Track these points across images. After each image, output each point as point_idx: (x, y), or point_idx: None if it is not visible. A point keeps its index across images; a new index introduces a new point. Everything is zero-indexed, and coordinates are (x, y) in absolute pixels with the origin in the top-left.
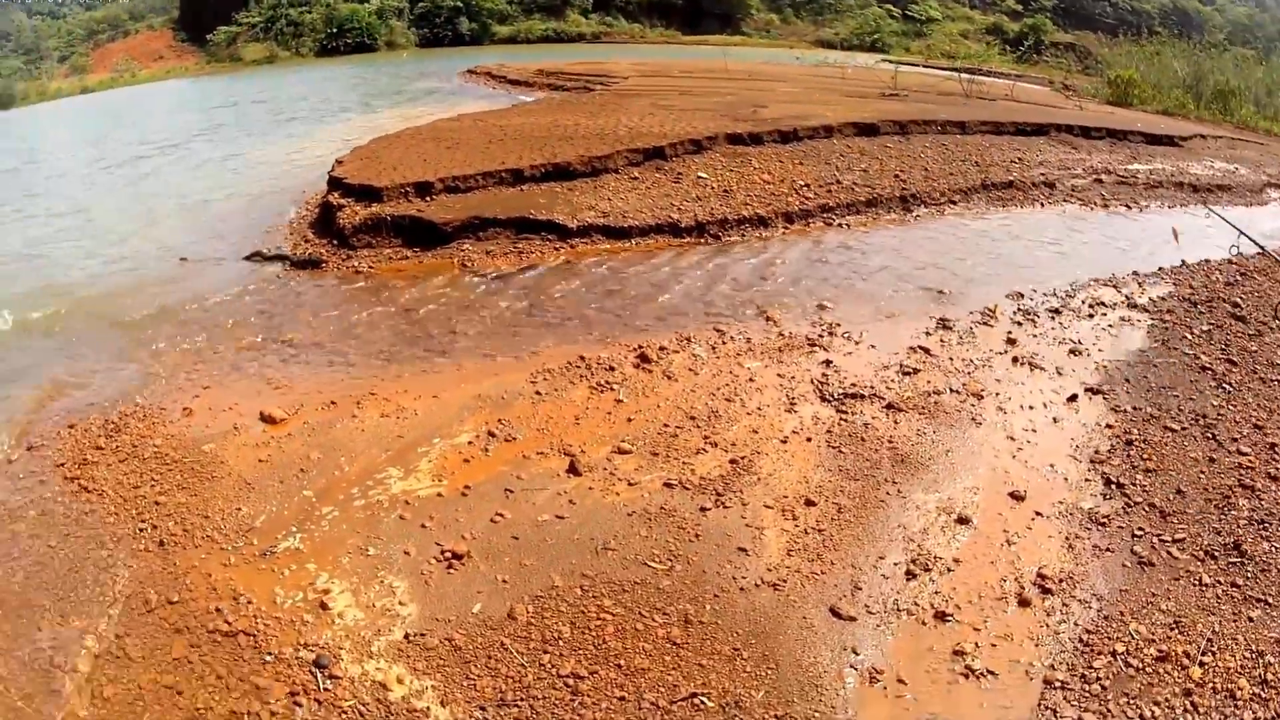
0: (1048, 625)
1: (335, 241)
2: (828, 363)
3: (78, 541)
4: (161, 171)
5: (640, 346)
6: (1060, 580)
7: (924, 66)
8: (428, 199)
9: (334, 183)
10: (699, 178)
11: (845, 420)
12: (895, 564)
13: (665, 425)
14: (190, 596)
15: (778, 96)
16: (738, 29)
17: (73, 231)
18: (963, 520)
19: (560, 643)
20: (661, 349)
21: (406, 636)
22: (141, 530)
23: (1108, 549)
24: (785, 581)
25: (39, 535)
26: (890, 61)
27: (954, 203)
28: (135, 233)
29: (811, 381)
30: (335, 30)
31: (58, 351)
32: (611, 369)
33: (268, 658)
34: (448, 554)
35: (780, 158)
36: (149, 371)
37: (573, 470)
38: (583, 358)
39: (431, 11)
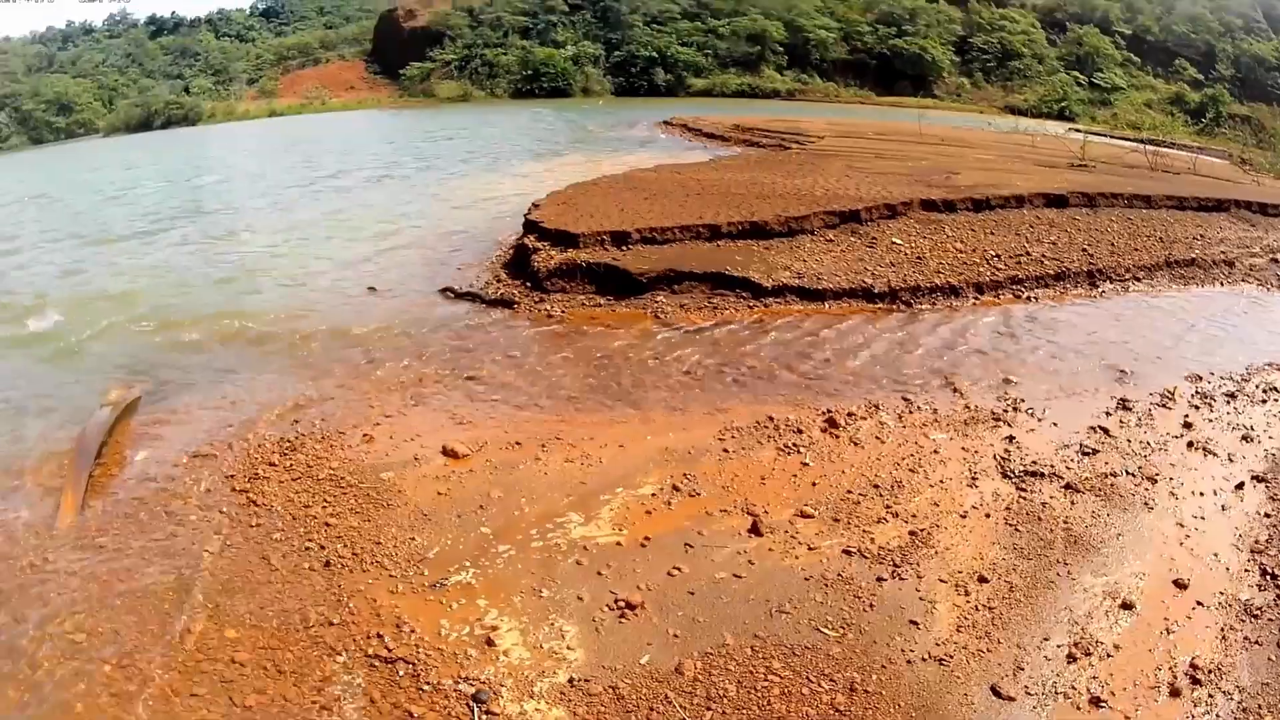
0: (1193, 716)
1: (528, 284)
2: (1010, 438)
3: (238, 552)
4: (358, 200)
5: (829, 411)
6: (1210, 671)
7: (1110, 137)
8: (624, 248)
9: (530, 226)
10: (893, 243)
11: (1024, 498)
12: (1058, 646)
13: (849, 492)
14: (351, 619)
15: (970, 163)
16: (930, 92)
17: (263, 254)
18: (1127, 606)
19: (724, 700)
20: (850, 414)
21: (571, 680)
22: (308, 549)
23: (1257, 641)
24: (951, 657)
25: (199, 541)
26: (1078, 131)
27: (1138, 279)
28: (327, 258)
29: (994, 457)
30: (530, 73)
31: (238, 367)
32: (799, 431)
33: (425, 687)
34: (621, 603)
35: (972, 226)
36: (330, 395)
37: (754, 530)
38: (771, 418)
39: (627, 61)
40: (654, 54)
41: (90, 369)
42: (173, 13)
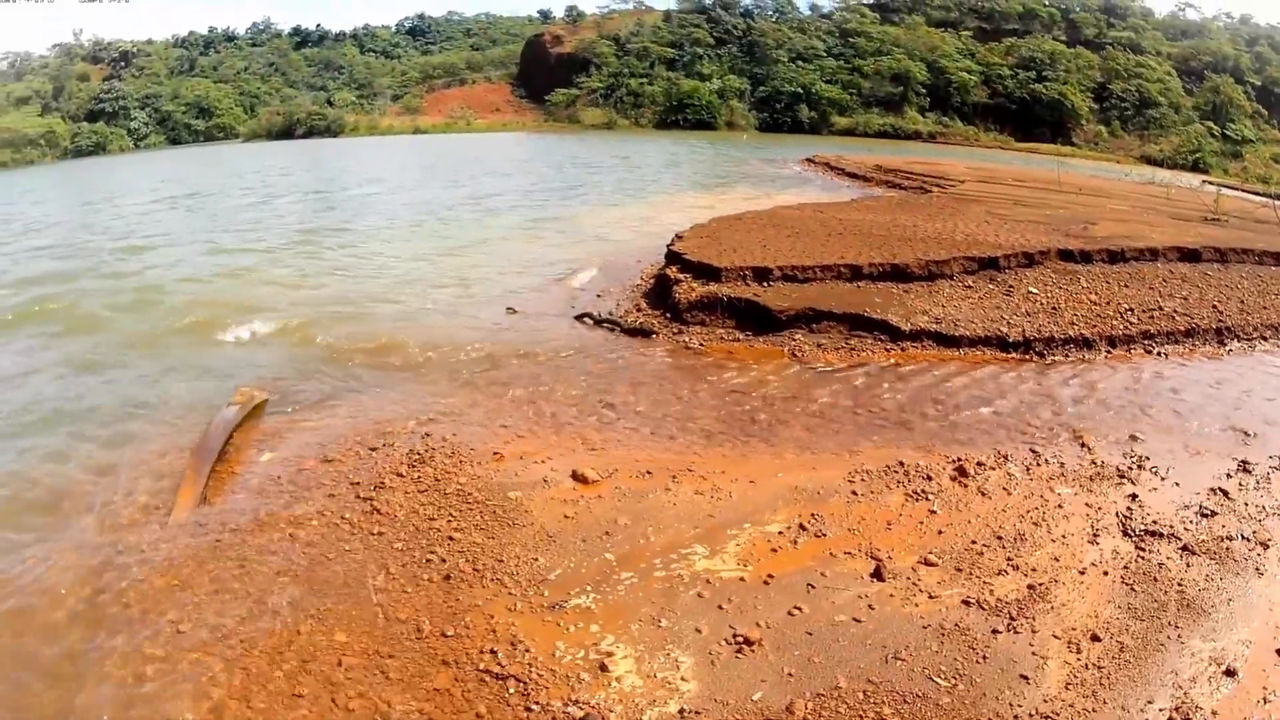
0: None
1: (668, 315)
2: (1133, 496)
3: (358, 557)
4: (502, 222)
5: (959, 459)
6: None
7: (1241, 190)
8: (765, 284)
9: (672, 257)
10: (1029, 292)
11: (1142, 558)
12: (1160, 710)
13: (973, 542)
14: (466, 633)
15: (1106, 213)
16: (1068, 139)
17: (406, 269)
18: (1229, 672)
19: None
20: (979, 464)
21: (681, 712)
22: (429, 561)
23: None
24: (1058, 715)
25: (317, 545)
26: (1211, 183)
27: (1265, 338)
28: (468, 278)
29: (1116, 515)
30: (675, 104)
31: (371, 379)
32: (929, 478)
33: (533, 706)
34: (739, 638)
35: (1107, 278)
36: (462, 412)
37: (877, 575)
38: (902, 463)
39: (772, 96)
40: (798, 90)
41: (225, 370)
42: (317, 25)
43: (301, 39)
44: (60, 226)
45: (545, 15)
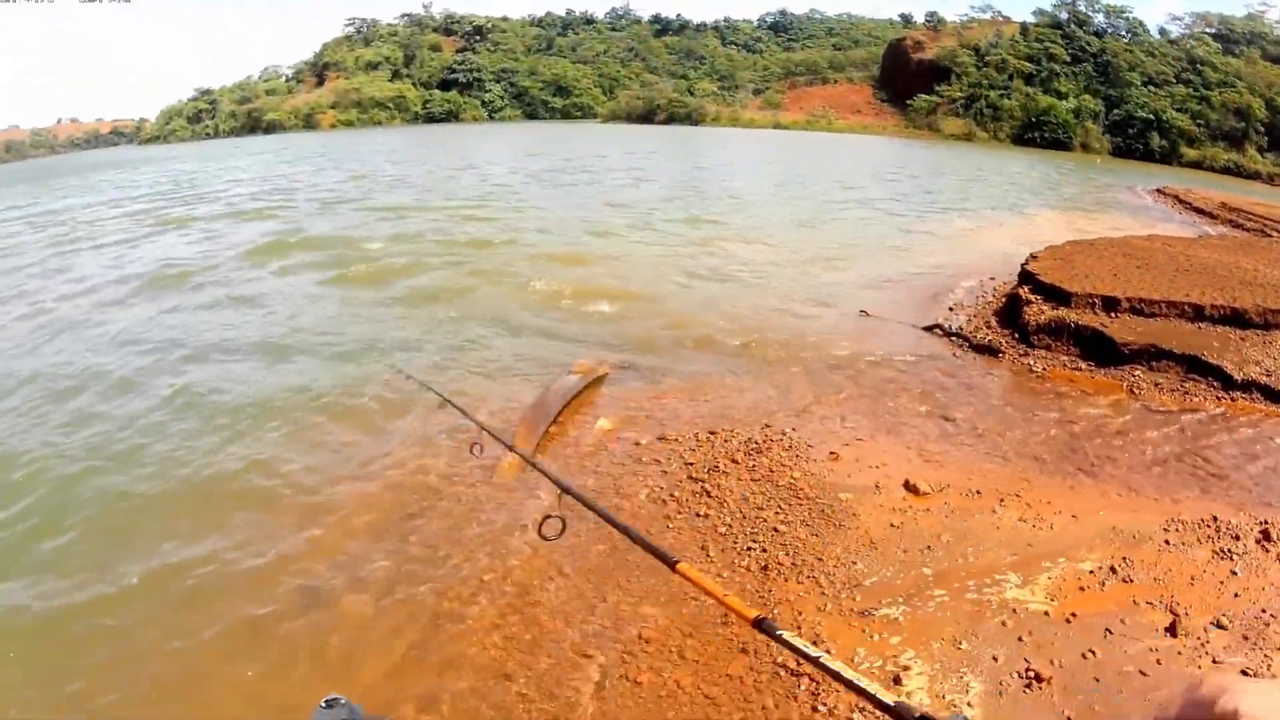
0: None
1: (1016, 335)
2: None
3: (680, 535)
4: (867, 226)
5: (1266, 522)
6: None
7: None
8: (1111, 315)
9: (1025, 277)
10: None
11: None
12: None
13: (1263, 611)
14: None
15: None
16: None
17: (765, 263)
18: None
19: None
20: None
21: None
22: (749, 549)
23: None
24: None
25: (640, 517)
26: None
27: None
28: (823, 277)
29: None
30: (1032, 121)
31: (717, 366)
32: (1236, 537)
33: (820, 707)
34: (1030, 673)
35: None
36: (804, 407)
37: (1171, 630)
38: (1215, 518)
39: (1125, 121)
40: (1150, 116)
41: (569, 340)
42: (677, 15)
43: (662, 27)
44: (426, 187)
45: (906, 19)
